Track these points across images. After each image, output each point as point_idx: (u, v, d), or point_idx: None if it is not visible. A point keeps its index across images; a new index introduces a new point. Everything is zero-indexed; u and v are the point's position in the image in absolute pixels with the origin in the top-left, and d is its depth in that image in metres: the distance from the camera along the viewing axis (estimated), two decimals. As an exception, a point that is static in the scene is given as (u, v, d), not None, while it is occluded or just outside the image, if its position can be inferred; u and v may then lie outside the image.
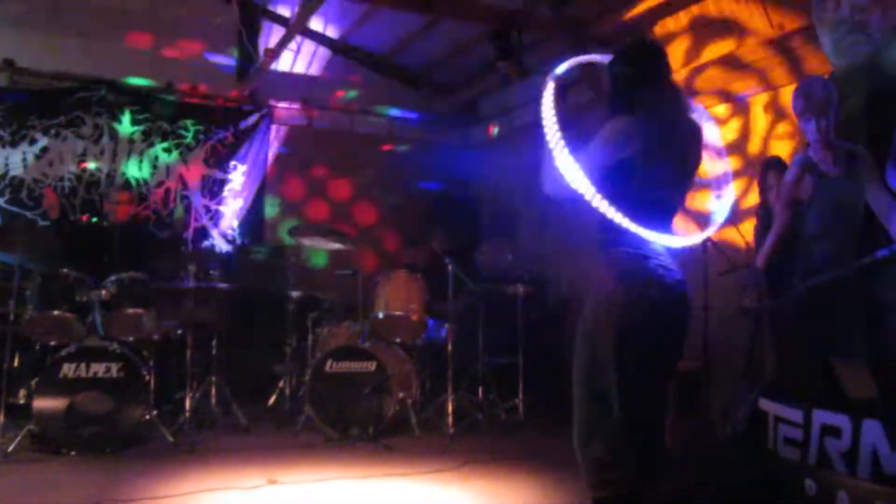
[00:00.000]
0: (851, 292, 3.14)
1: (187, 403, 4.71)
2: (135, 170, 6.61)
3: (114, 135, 6.54)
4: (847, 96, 3.36)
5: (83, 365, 4.26)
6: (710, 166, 2.71)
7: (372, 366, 4.78)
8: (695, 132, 2.57)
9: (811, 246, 3.28)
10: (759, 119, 5.02)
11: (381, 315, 5.08)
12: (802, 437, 2.94)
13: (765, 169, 4.24)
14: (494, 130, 7.70)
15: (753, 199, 4.56)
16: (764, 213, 4.16)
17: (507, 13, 5.50)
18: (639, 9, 5.18)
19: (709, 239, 4.35)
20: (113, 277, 4.57)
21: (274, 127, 7.23)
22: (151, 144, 6.68)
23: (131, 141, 6.61)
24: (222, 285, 5.16)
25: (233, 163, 6.96)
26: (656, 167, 2.44)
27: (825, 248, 3.22)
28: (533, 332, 5.46)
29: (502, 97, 7.40)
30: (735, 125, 5.20)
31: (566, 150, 2.33)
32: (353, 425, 4.68)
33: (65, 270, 4.50)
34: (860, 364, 3.07)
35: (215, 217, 6.89)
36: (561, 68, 2.52)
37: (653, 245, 2.46)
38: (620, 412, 2.39)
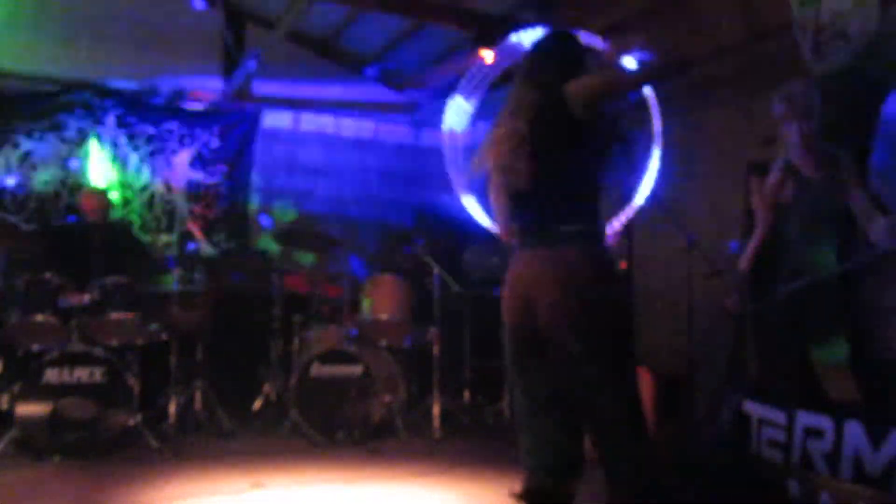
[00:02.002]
0: (833, 295, 3.18)
1: (172, 408, 4.68)
2: (119, 173, 6.57)
3: (98, 139, 6.50)
4: (828, 101, 3.41)
5: (67, 370, 4.23)
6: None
7: (358, 369, 4.78)
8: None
9: (793, 249, 3.31)
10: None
11: (366, 318, 5.08)
12: (785, 438, 2.97)
13: (747, 173, 4.28)
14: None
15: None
16: (746, 217, 4.20)
17: (493, 18, 5.52)
18: (622, 12, 5.22)
19: (693, 242, 4.39)
20: (97, 282, 4.54)
21: (259, 129, 7.21)
22: (136, 148, 6.64)
23: (115, 144, 6.57)
24: (207, 289, 5.14)
25: (218, 166, 6.93)
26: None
27: (807, 251, 3.26)
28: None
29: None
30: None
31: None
32: (339, 429, 4.68)
33: (48, 275, 4.47)
34: (842, 366, 3.11)
35: (200, 221, 6.86)
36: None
37: None
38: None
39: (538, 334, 2.56)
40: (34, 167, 6.26)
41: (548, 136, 2.52)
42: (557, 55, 2.63)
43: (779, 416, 3.02)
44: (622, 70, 2.52)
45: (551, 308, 2.50)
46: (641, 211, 4.17)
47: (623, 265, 5.68)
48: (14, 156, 6.19)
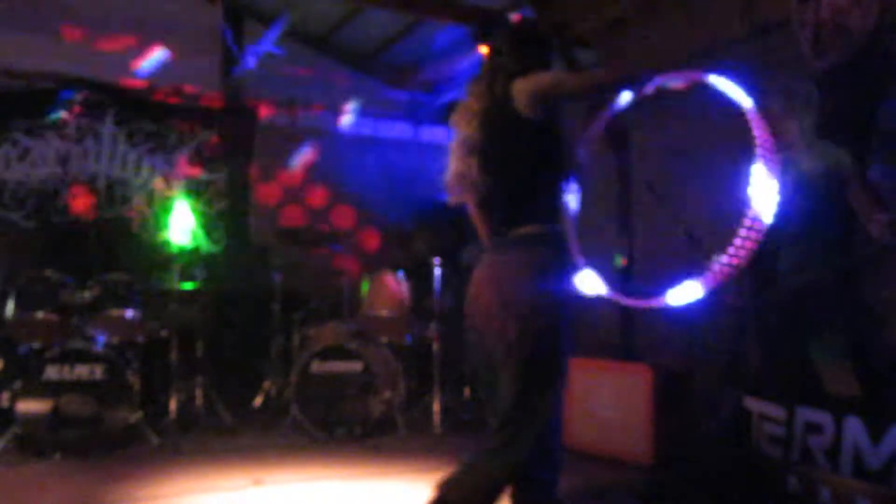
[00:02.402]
0: (834, 291, 3.18)
1: (172, 405, 4.69)
2: (118, 171, 6.56)
3: (97, 136, 6.49)
4: (828, 96, 3.41)
5: (67, 367, 4.23)
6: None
7: (358, 366, 4.78)
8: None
9: (794, 245, 3.31)
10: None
11: (367, 315, 5.08)
12: (785, 434, 2.98)
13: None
14: None
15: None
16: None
17: (489, 14, 5.52)
18: (619, 9, 5.22)
19: (692, 237, 4.38)
20: (97, 279, 4.55)
21: (259, 127, 7.20)
22: (135, 145, 6.64)
23: (114, 142, 6.57)
24: (207, 286, 5.14)
25: (217, 163, 6.93)
26: None
27: (808, 247, 3.26)
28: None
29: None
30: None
31: None
32: (340, 425, 4.68)
33: (48, 272, 4.48)
34: (842, 362, 3.11)
35: (199, 217, 6.85)
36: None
37: None
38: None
39: (480, 337, 2.54)
40: (33, 164, 6.25)
41: (496, 138, 2.45)
42: (512, 51, 2.54)
43: (779, 412, 3.03)
44: (576, 74, 2.45)
45: (484, 312, 2.46)
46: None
47: (623, 261, 5.69)
48: (14, 154, 6.19)
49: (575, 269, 2.47)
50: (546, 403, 2.38)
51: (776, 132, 3.13)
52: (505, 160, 2.45)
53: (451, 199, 2.59)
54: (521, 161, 2.44)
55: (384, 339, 5.16)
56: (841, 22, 3.61)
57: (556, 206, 2.46)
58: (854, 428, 2.72)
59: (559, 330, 2.39)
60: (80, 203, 5.20)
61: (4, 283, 4.40)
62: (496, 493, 2.36)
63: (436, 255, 5.17)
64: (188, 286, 4.99)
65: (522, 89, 2.39)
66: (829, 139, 3.27)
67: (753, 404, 3.18)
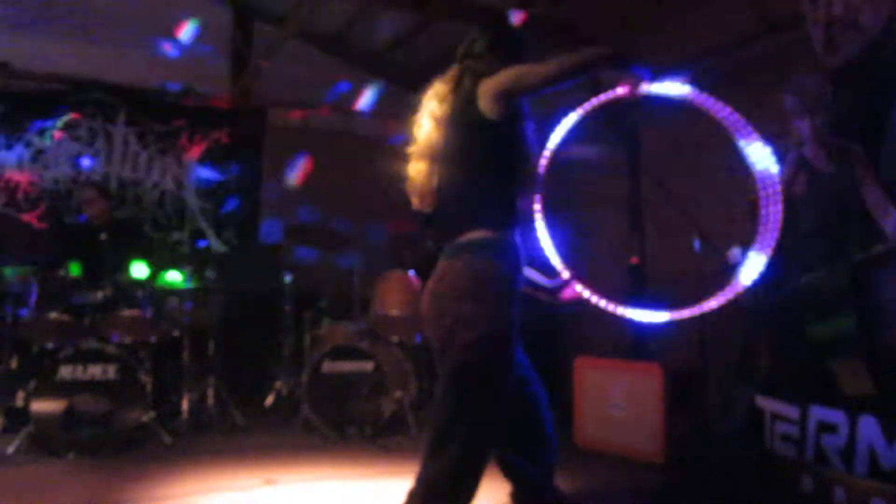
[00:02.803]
0: (846, 289, 3.16)
1: (185, 405, 4.72)
2: (130, 172, 6.60)
3: (109, 137, 6.53)
4: (840, 93, 3.38)
5: (80, 367, 4.26)
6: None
7: (369, 366, 4.79)
8: None
9: (806, 243, 3.29)
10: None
11: (377, 315, 5.09)
12: (799, 433, 2.96)
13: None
14: None
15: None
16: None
17: (500, 12, 5.50)
18: (632, 5, 5.20)
19: (704, 236, 4.36)
20: (109, 279, 4.57)
21: (269, 127, 7.22)
22: (146, 146, 6.67)
23: (126, 143, 6.61)
24: (218, 286, 5.17)
25: (228, 163, 6.95)
26: None
27: (820, 245, 3.24)
28: (528, 330, 5.47)
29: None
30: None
31: None
32: (351, 425, 4.69)
33: (61, 272, 4.51)
34: (856, 361, 3.09)
35: (211, 218, 6.88)
36: None
37: None
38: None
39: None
40: (46, 166, 6.29)
41: (453, 140, 2.38)
42: (487, 53, 2.47)
43: (792, 411, 3.01)
44: (540, 64, 2.24)
45: (426, 324, 2.40)
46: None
47: (635, 260, 5.67)
48: (26, 154, 6.23)
49: (522, 277, 2.36)
50: (477, 412, 2.26)
51: (786, 129, 3.12)
52: (459, 163, 2.37)
53: (414, 203, 2.52)
54: (476, 164, 2.34)
55: (395, 339, 5.16)
56: (853, 18, 3.58)
57: (510, 213, 2.35)
58: (869, 427, 2.70)
59: (496, 340, 2.25)
60: (96, 208, 5.22)
61: (19, 283, 4.42)
62: (447, 498, 2.25)
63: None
64: (199, 286, 5.01)
65: (485, 90, 2.29)
66: (841, 136, 3.24)
67: (766, 404, 3.16)
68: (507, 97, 2.28)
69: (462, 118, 2.36)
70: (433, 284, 2.37)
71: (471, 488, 2.24)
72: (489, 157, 2.33)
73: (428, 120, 2.46)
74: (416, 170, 2.47)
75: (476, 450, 2.25)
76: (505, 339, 2.27)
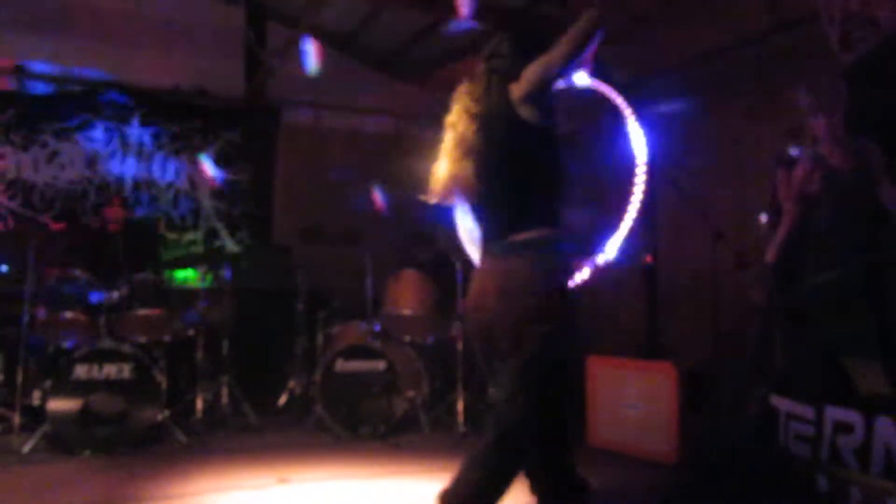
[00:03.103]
0: (863, 289, 3.13)
1: (199, 404, 4.74)
2: (144, 172, 6.65)
3: (123, 137, 6.58)
4: (856, 91, 3.35)
5: (96, 366, 4.29)
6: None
7: (381, 365, 4.80)
8: None
9: (822, 242, 3.26)
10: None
11: (390, 314, 5.10)
12: (814, 433, 2.94)
13: (774, 164, 4.22)
14: None
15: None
16: (773, 209, 4.14)
17: (511, 11, 5.50)
18: (645, 3, 5.17)
19: (718, 235, 4.34)
20: (124, 279, 4.61)
21: (282, 127, 7.25)
22: (161, 147, 6.72)
23: (141, 143, 6.65)
24: (232, 286, 5.19)
25: (241, 164, 6.99)
26: None
27: (836, 244, 3.21)
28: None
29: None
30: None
31: None
32: (363, 424, 4.70)
33: (77, 272, 4.54)
34: (872, 360, 3.06)
35: (225, 218, 6.92)
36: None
37: None
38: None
39: (483, 343, 2.51)
40: (62, 166, 6.35)
41: (496, 142, 2.42)
42: (511, 54, 2.52)
43: (807, 411, 2.99)
44: (555, 47, 2.32)
45: (494, 321, 2.42)
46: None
47: (649, 259, 5.65)
48: (42, 155, 6.29)
49: (575, 274, 2.48)
50: (543, 405, 2.37)
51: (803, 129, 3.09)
52: (505, 165, 2.42)
53: (435, 198, 2.57)
54: (522, 166, 2.40)
55: (407, 339, 5.17)
56: (869, 14, 3.55)
57: (556, 211, 2.45)
58: (885, 427, 2.67)
59: (565, 332, 2.38)
60: (112, 214, 5.25)
61: (35, 283, 4.46)
62: (497, 493, 2.33)
63: (458, 252, 5.16)
64: (213, 286, 5.04)
65: (518, 97, 2.38)
66: (857, 134, 3.21)
67: (781, 403, 3.14)
68: (539, 93, 2.37)
69: (505, 120, 2.42)
70: (498, 282, 2.42)
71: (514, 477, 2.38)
72: (539, 158, 2.42)
73: (465, 118, 2.49)
74: (460, 167, 2.49)
75: (537, 438, 2.41)
76: (571, 331, 2.42)
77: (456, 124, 2.51)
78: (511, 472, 2.36)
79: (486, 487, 2.33)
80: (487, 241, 2.52)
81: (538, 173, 2.43)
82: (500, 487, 2.33)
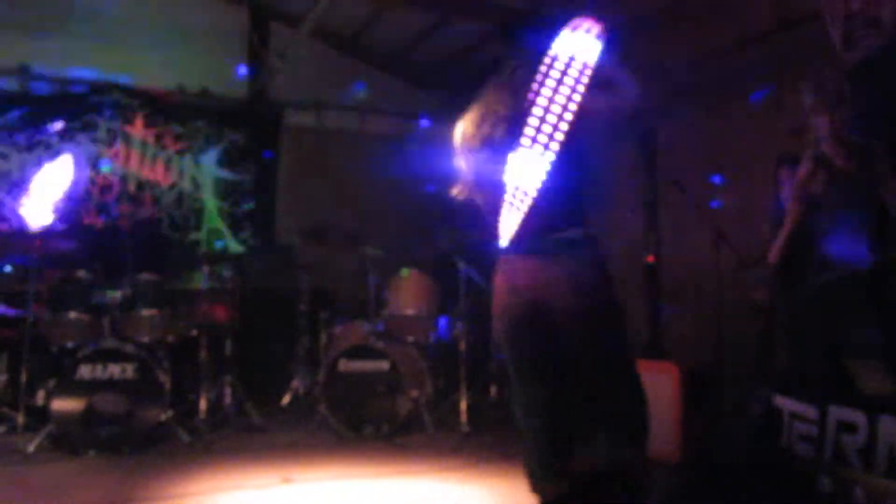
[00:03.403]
0: (865, 289, 3.12)
1: (202, 404, 4.75)
2: (148, 172, 6.66)
3: (127, 138, 6.59)
4: (860, 90, 3.34)
5: (100, 366, 4.30)
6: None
7: (385, 365, 4.80)
8: None
9: (825, 241, 3.27)
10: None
11: (393, 314, 5.10)
12: (817, 433, 2.94)
13: (777, 164, 4.22)
14: None
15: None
16: (776, 209, 4.15)
17: (516, 10, 5.50)
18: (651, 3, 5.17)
19: (720, 235, 4.34)
20: (127, 279, 4.62)
21: (285, 127, 7.26)
22: (164, 147, 6.73)
23: (144, 144, 6.67)
24: (235, 286, 5.20)
25: (245, 164, 7.00)
26: None
27: (839, 244, 3.21)
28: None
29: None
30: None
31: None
32: (367, 424, 4.70)
33: (80, 273, 4.55)
34: (875, 360, 3.06)
35: (227, 218, 6.93)
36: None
37: None
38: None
39: (544, 340, 2.54)
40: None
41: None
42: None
43: (810, 411, 2.99)
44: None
45: (565, 313, 2.48)
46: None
47: (651, 258, 5.65)
48: (47, 157, 6.30)
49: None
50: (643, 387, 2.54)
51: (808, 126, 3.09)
52: (556, 163, 2.42)
53: (464, 196, 2.63)
54: (572, 163, 2.45)
55: (410, 338, 5.17)
56: (873, 13, 3.55)
57: (587, 210, 2.55)
58: (889, 427, 2.67)
59: (625, 328, 2.58)
60: (124, 210, 5.27)
61: (38, 283, 4.47)
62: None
63: (460, 252, 5.17)
64: (216, 286, 5.04)
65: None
66: (861, 133, 3.21)
67: (784, 403, 3.14)
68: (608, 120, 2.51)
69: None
70: (570, 280, 2.48)
71: None
72: (580, 156, 2.48)
73: (492, 119, 2.54)
74: (486, 168, 2.55)
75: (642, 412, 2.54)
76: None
77: (482, 125, 2.56)
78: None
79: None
80: (522, 240, 2.52)
81: (583, 170, 2.52)
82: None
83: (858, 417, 2.79)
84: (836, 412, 2.88)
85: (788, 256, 3.50)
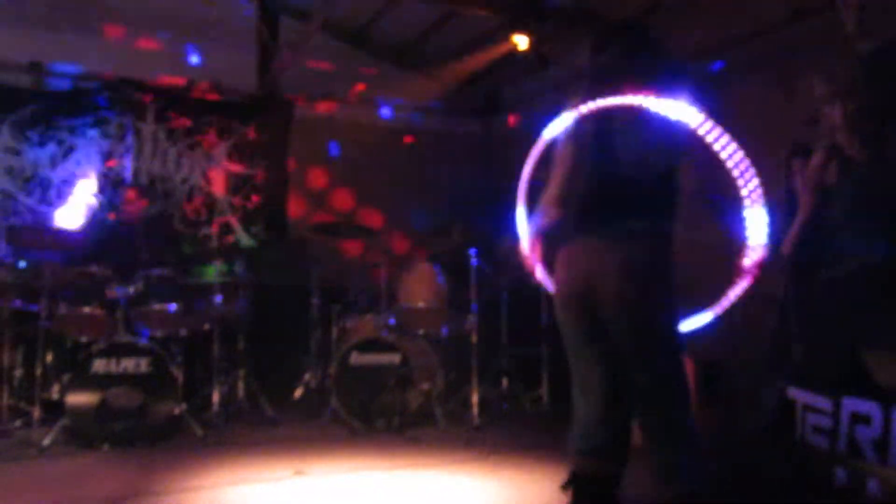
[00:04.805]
0: (880, 280, 3.10)
1: (215, 397, 4.78)
2: (159, 167, 6.69)
3: (138, 133, 6.62)
4: (873, 79, 3.31)
5: (114, 360, 4.33)
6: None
7: (396, 358, 4.81)
8: None
9: (838, 233, 3.23)
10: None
11: (404, 307, 5.11)
12: (832, 425, 2.92)
13: (789, 154, 4.18)
14: None
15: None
16: (789, 200, 4.11)
17: (525, 4, 5.48)
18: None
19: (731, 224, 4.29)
20: (141, 274, 4.64)
21: (295, 120, 7.26)
22: (175, 142, 6.76)
23: (155, 139, 6.69)
24: (247, 280, 5.22)
25: (255, 158, 7.01)
26: None
27: (852, 234, 3.18)
28: (556, 322, 5.44)
29: (524, 87, 7.35)
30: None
31: None
32: (379, 417, 4.72)
33: (94, 268, 4.58)
34: (890, 351, 3.03)
35: (239, 212, 6.95)
36: None
37: None
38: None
39: (596, 322, 2.64)
40: (78, 163, 6.40)
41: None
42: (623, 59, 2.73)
43: (824, 403, 2.97)
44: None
45: (615, 298, 2.57)
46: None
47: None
48: (59, 152, 6.34)
49: None
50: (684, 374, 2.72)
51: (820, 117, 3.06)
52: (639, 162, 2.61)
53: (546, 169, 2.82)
54: (652, 162, 2.60)
55: (421, 331, 5.17)
56: (886, 2, 3.51)
57: (671, 206, 2.72)
58: (903, 419, 2.65)
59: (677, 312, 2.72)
60: (136, 208, 5.28)
61: (52, 279, 4.50)
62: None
63: (473, 245, 5.17)
64: (229, 280, 5.07)
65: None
66: (874, 123, 3.17)
67: (798, 395, 3.12)
68: None
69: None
70: (624, 268, 2.57)
71: None
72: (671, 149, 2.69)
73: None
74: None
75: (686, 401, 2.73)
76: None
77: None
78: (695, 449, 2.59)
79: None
80: (601, 222, 2.63)
81: (663, 169, 2.67)
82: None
83: (873, 409, 2.77)
84: (851, 404, 2.86)
85: (802, 248, 3.47)
